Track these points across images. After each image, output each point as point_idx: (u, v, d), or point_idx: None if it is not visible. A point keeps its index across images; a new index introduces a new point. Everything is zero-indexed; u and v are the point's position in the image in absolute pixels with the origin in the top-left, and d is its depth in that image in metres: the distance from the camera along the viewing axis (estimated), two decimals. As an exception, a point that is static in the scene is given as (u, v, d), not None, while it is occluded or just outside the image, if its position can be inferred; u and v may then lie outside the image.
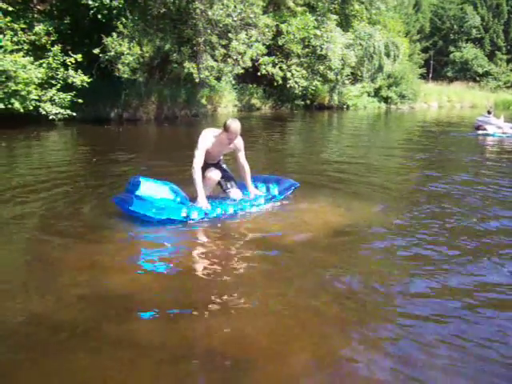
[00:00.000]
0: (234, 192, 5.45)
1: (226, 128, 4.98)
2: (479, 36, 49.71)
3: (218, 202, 5.30)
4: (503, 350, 2.76)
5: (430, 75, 46.59)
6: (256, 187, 5.70)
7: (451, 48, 49.83)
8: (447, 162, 9.85)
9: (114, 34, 14.19)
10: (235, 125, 4.98)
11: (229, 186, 5.48)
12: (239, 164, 5.41)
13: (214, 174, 5.34)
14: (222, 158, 5.64)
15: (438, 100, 36.25)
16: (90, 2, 13.49)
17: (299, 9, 22.20)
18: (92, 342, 2.78)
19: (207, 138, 5.04)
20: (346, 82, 25.87)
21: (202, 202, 4.93)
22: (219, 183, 5.45)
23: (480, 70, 48.22)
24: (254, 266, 3.98)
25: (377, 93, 29.91)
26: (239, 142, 5.28)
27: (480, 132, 14.08)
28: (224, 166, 5.61)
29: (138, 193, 4.79)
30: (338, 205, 5.73)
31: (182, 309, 3.20)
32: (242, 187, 5.60)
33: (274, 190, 5.71)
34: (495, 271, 3.85)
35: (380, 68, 26.29)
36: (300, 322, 3.08)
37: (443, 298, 3.38)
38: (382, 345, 2.84)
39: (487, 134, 13.85)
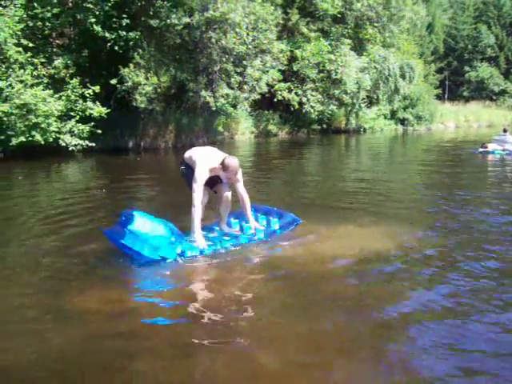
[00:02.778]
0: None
1: (224, 167, 4.81)
2: (494, 55, 49.51)
3: (216, 237, 5.04)
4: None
5: (446, 95, 46.44)
6: (256, 219, 5.46)
7: (466, 68, 49.65)
8: (463, 180, 9.81)
9: (131, 65, 14.44)
10: (234, 163, 4.82)
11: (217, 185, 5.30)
12: (238, 194, 5.18)
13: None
14: None
15: (455, 120, 36.00)
16: (107, 35, 13.77)
17: (313, 34, 22.41)
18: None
19: (205, 172, 4.82)
20: (362, 105, 25.86)
21: (200, 241, 4.73)
22: (208, 185, 5.15)
23: (496, 89, 47.91)
24: (269, 298, 3.84)
25: (393, 115, 29.83)
26: (238, 174, 5.06)
27: (481, 150, 14.43)
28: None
29: (130, 227, 4.46)
30: (360, 230, 5.61)
31: (188, 349, 3.09)
32: (242, 217, 5.43)
33: (275, 225, 5.44)
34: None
35: (396, 90, 26.21)
36: (318, 357, 2.96)
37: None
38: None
39: (488, 152, 14.22)
